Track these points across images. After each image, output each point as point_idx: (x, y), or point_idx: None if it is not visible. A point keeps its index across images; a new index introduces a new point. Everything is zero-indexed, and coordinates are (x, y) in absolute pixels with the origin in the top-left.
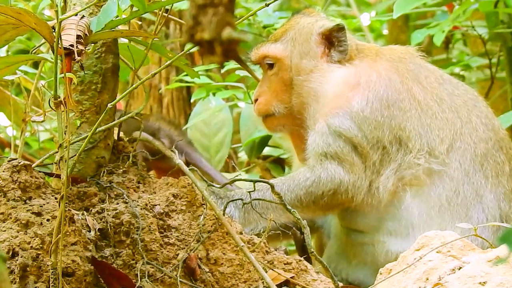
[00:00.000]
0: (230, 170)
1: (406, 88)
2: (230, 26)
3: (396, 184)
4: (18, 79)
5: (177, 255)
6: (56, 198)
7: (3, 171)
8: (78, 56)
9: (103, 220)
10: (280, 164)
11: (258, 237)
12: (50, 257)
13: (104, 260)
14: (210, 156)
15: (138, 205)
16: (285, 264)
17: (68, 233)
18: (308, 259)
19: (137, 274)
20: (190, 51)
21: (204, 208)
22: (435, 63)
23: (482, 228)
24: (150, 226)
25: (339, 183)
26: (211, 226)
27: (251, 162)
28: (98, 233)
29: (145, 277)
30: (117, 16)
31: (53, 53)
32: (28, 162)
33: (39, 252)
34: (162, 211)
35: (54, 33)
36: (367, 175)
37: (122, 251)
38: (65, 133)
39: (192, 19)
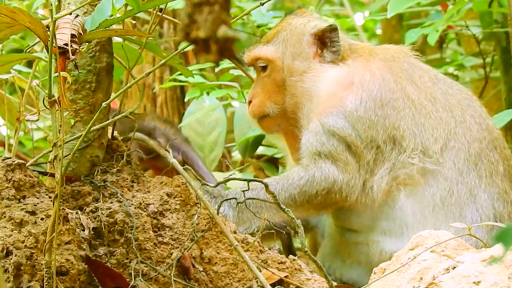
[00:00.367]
0: (224, 169)
1: (400, 88)
2: (226, 24)
3: (390, 183)
4: (12, 78)
5: (171, 254)
6: (50, 197)
7: None
8: (72, 55)
9: (97, 219)
10: (274, 163)
11: (252, 236)
12: (44, 256)
13: (98, 259)
14: (204, 155)
15: (132, 204)
16: (279, 263)
17: (62, 232)
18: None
19: (131, 273)
20: (184, 50)
21: (198, 207)
22: (429, 62)
23: (476, 228)
24: (144, 225)
25: (333, 182)
26: (205, 225)
27: (245, 161)
28: (92, 232)
29: (139, 276)
30: (112, 15)
31: (47, 52)
32: (22, 161)
33: (33, 251)
34: (156, 210)
35: (48, 32)
36: (361, 175)
37: (116, 250)
38: (59, 132)
39: (188, 17)
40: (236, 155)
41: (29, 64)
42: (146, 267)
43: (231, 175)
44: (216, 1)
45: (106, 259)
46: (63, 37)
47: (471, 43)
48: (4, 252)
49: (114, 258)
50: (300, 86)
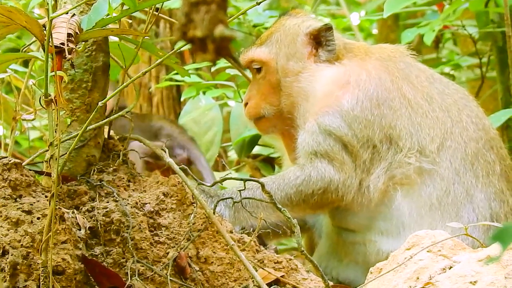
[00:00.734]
0: (220, 169)
1: (396, 87)
2: (223, 23)
3: (387, 183)
4: (8, 78)
5: (167, 253)
6: (46, 197)
7: None
8: (68, 54)
9: (93, 218)
10: (270, 163)
11: (248, 236)
12: (41, 255)
13: (94, 258)
14: None
15: (128, 203)
16: (275, 263)
17: (58, 231)
18: None
19: (127, 273)
20: (181, 49)
21: (194, 207)
22: (425, 62)
23: (473, 228)
24: (140, 225)
25: (329, 181)
26: (201, 225)
27: (241, 161)
28: (88, 232)
29: (135, 276)
30: (108, 15)
31: (44, 51)
32: (19, 160)
33: (29, 250)
34: (152, 209)
35: (45, 31)
36: (357, 174)
37: (112, 250)
38: (55, 131)
39: (185, 16)
40: (232, 155)
41: (26, 63)
42: (142, 266)
43: (227, 174)
44: (213, 1)
45: (103, 259)
46: (59, 36)
47: (468, 43)
48: (1, 251)
49: (110, 258)
50: (296, 86)
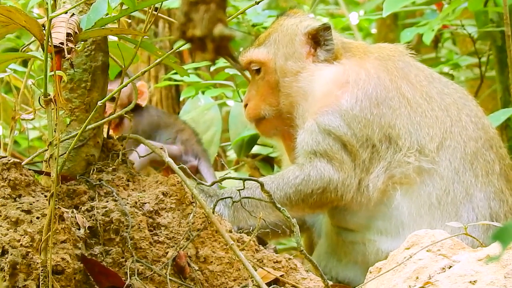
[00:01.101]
0: (219, 169)
1: (395, 86)
2: (222, 23)
3: (386, 182)
4: (7, 77)
5: (167, 253)
6: (45, 196)
7: None
8: (68, 54)
9: (92, 218)
10: (269, 162)
11: (247, 236)
12: (40, 255)
13: (93, 258)
14: None
15: (127, 203)
16: (274, 262)
17: (57, 231)
18: None
19: (126, 272)
20: (180, 49)
21: (194, 206)
22: (424, 62)
23: (472, 227)
24: (139, 224)
25: (328, 181)
26: (201, 224)
27: (240, 160)
28: (88, 231)
29: (134, 275)
30: (107, 14)
31: (43, 51)
32: (18, 160)
33: (28, 250)
34: (151, 209)
35: (44, 31)
36: (357, 173)
37: (111, 249)
38: (54, 131)
39: (184, 16)
40: (231, 154)
41: (25, 63)
42: (142, 266)
43: (226, 174)
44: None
45: (102, 258)
46: (58, 36)
47: (467, 43)
48: (0, 251)
49: (110, 257)
50: (295, 85)
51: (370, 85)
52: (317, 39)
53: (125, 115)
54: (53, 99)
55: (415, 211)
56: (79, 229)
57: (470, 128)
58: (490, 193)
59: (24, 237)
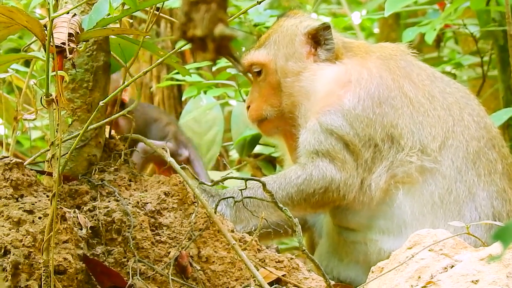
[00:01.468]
0: (221, 168)
1: (398, 86)
2: (223, 22)
3: (388, 182)
4: (9, 78)
5: (169, 253)
6: (47, 196)
7: None
8: (69, 54)
9: (94, 218)
10: (271, 162)
11: (249, 235)
12: (42, 255)
13: (95, 258)
14: (202, 154)
15: (129, 203)
16: (276, 262)
17: (59, 231)
18: None
19: (128, 272)
20: (181, 49)
21: (196, 206)
22: (427, 61)
23: (475, 227)
24: (141, 224)
25: (330, 181)
26: (203, 224)
27: (242, 160)
28: (90, 231)
29: (136, 275)
30: (109, 14)
31: (45, 51)
32: (20, 160)
33: (31, 250)
34: (153, 209)
35: (45, 31)
36: (359, 173)
37: (113, 249)
38: (56, 131)
39: (185, 15)
40: (233, 154)
41: (27, 63)
42: (144, 266)
43: (228, 174)
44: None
45: (104, 258)
46: (60, 36)
47: (469, 42)
48: (2, 251)
49: (112, 257)
50: (297, 85)
51: (372, 85)
52: (317, 38)
53: (127, 114)
54: (55, 99)
55: (418, 210)
56: (81, 229)
57: (473, 127)
58: (493, 192)
59: (26, 237)
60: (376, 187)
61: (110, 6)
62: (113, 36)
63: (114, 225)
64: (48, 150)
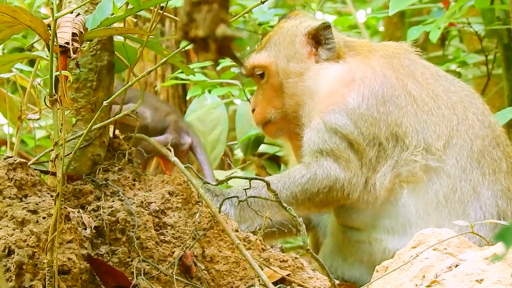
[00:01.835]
0: (225, 168)
1: (402, 84)
2: (224, 23)
3: (393, 181)
4: (13, 77)
5: (173, 252)
6: (51, 196)
7: None
8: (73, 53)
9: (98, 217)
10: (275, 161)
11: (254, 235)
12: (46, 255)
13: (99, 257)
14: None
15: (133, 202)
16: (281, 261)
17: (64, 231)
18: None
19: (133, 272)
20: (186, 48)
21: (200, 206)
22: (431, 60)
23: (480, 226)
24: (145, 224)
25: (334, 180)
26: (207, 224)
27: (246, 159)
28: (94, 231)
29: (141, 275)
30: (113, 14)
31: (49, 51)
32: (24, 160)
33: (35, 250)
34: (157, 208)
35: (49, 31)
36: (363, 172)
37: (117, 249)
38: (60, 131)
39: (186, 16)
40: (238, 153)
41: (31, 63)
42: (148, 265)
43: (232, 173)
44: (214, 0)
45: (108, 258)
46: (64, 36)
47: (473, 40)
48: (6, 251)
49: (116, 257)
50: (300, 85)
51: (376, 83)
52: (318, 38)
53: (131, 114)
54: (58, 99)
55: (422, 209)
56: (85, 229)
57: (477, 126)
58: (498, 191)
59: (30, 237)
60: (380, 186)
61: (114, 6)
62: (117, 36)
63: (118, 224)
64: (52, 150)
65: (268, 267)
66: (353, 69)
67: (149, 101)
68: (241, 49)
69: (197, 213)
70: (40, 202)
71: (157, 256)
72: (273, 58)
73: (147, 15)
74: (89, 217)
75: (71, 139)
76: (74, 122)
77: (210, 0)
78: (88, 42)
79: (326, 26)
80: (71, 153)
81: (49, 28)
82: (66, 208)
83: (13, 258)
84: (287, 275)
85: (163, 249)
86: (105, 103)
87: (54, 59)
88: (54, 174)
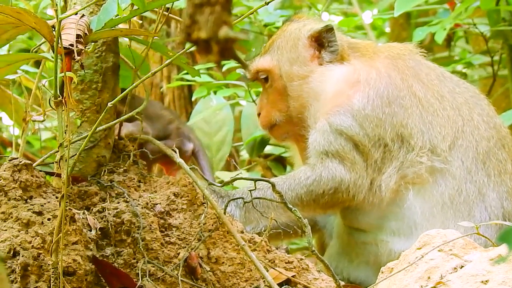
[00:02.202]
0: (231, 169)
1: (407, 85)
2: (227, 25)
3: (399, 182)
4: (19, 79)
5: (178, 254)
6: (57, 197)
7: (4, 171)
8: (78, 55)
9: (104, 219)
10: (281, 162)
11: (259, 236)
12: (51, 256)
13: (105, 259)
14: (211, 154)
15: (139, 204)
16: (286, 263)
17: (69, 232)
18: None
19: (138, 273)
20: (191, 49)
21: (205, 207)
22: (437, 61)
23: (485, 227)
24: (151, 225)
25: (340, 181)
26: (212, 225)
27: (252, 160)
28: (99, 232)
29: (146, 276)
30: (117, 15)
31: (53, 52)
32: (29, 161)
33: (40, 252)
34: (163, 210)
35: (54, 32)
36: (369, 174)
37: (123, 250)
38: (65, 133)
39: (189, 18)
40: (244, 155)
41: (37, 64)
42: (153, 267)
43: (238, 174)
44: (217, 2)
45: (113, 259)
46: (68, 38)
47: (479, 41)
48: (11, 252)
49: (121, 258)
50: (305, 87)
51: (381, 84)
52: (321, 41)
53: (136, 116)
54: (63, 101)
55: (428, 211)
56: (90, 231)
57: (482, 127)
58: (503, 192)
59: (36, 238)
60: (386, 188)
61: (118, 7)
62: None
63: (124, 226)
64: (57, 151)
65: (274, 269)
66: (358, 70)
67: (152, 110)
68: (247, 50)
69: (202, 214)
70: (45, 203)
71: (162, 257)
72: (276, 62)
73: (153, 16)
74: (94, 219)
75: (76, 141)
76: (79, 124)
77: (213, 2)
78: (93, 44)
79: (329, 29)
80: (76, 154)
81: (53, 29)
82: (71, 209)
83: (18, 259)
84: (292, 276)
85: (168, 250)
86: (110, 104)
87: (59, 60)
88: (59, 175)
